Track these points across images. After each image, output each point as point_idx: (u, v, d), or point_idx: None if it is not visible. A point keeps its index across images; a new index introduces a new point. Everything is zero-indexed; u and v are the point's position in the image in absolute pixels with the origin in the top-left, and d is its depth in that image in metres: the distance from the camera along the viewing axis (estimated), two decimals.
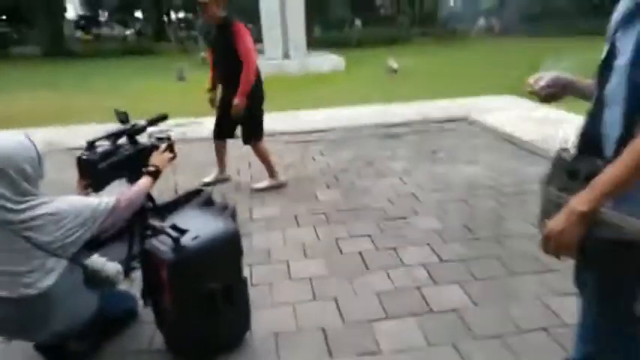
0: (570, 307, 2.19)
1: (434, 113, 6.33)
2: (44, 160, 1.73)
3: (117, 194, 1.90)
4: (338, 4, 29.94)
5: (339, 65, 12.78)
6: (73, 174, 4.34)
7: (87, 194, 1.96)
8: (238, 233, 1.95)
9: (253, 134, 3.90)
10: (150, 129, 2.36)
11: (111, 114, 7.18)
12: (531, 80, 1.40)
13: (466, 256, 2.68)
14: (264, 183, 3.96)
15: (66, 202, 1.71)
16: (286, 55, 12.94)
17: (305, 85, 10.05)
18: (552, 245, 1.11)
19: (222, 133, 4.01)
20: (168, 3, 32.82)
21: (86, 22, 31.58)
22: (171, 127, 2.43)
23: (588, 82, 1.29)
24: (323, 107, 7.07)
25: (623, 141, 1.04)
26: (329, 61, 13.01)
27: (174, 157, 2.33)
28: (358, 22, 24.07)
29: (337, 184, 3.98)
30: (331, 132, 5.62)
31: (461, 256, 2.69)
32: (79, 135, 5.83)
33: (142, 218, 2.31)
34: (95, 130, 5.85)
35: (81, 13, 37.63)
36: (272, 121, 6.25)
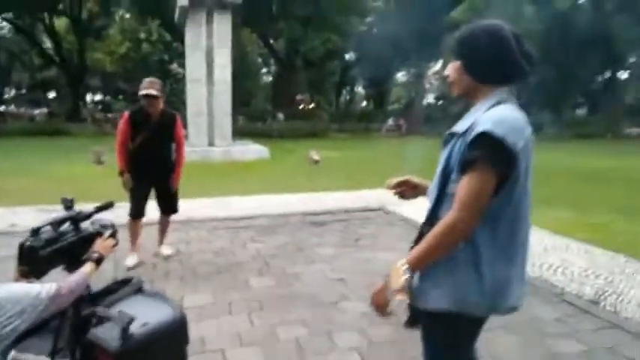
0: None
1: (354, 203, 6.78)
2: None
3: (58, 281, 1.87)
4: (260, 98, 31.59)
5: (264, 154, 13.28)
6: None
7: (28, 281, 1.90)
8: (185, 319, 1.98)
9: (176, 206, 4.39)
10: (95, 216, 2.37)
11: (19, 197, 6.83)
12: (389, 181, 1.79)
13: (396, 338, 2.86)
14: (171, 250, 4.43)
15: (5, 290, 1.67)
16: (211, 143, 13.23)
17: (231, 173, 10.27)
18: (373, 303, 1.47)
19: (142, 212, 4.17)
20: (85, 85, 32.35)
21: None
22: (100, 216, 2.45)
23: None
24: (250, 194, 7.27)
25: (429, 225, 1.44)
26: (254, 150, 13.50)
27: (116, 244, 2.35)
28: (281, 116, 25.46)
29: (269, 271, 4.07)
30: (260, 219, 5.78)
31: (390, 338, 2.87)
32: None
33: (76, 307, 2.23)
34: (2, 215, 5.49)
35: None
36: (200, 206, 6.33)
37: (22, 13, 26.39)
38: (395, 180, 1.78)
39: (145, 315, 1.86)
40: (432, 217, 1.44)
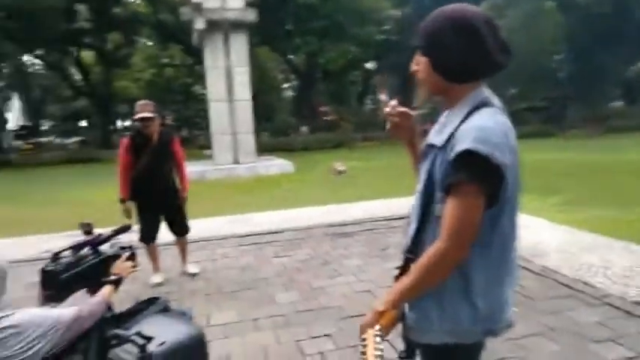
0: None
1: (380, 211, 6.69)
2: (8, 277, 1.74)
3: (78, 304, 1.90)
4: (283, 112, 31.90)
5: (288, 168, 13.34)
6: (20, 286, 4.14)
7: (51, 306, 1.93)
8: (203, 337, 1.97)
9: (186, 226, 4.44)
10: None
11: (52, 225, 7.03)
12: (391, 103, 1.48)
13: None
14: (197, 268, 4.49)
15: (28, 314, 1.69)
16: (236, 160, 13.40)
17: (256, 188, 10.34)
18: (359, 336, 1.29)
19: (153, 236, 4.24)
20: (113, 112, 33.50)
21: (26, 132, 31.31)
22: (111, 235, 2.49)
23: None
24: (275, 209, 7.28)
25: (412, 252, 1.32)
26: (278, 165, 13.59)
27: (135, 266, 2.37)
28: (304, 128, 25.61)
29: (294, 285, 4.03)
30: (285, 233, 5.76)
31: None
32: (17, 248, 5.59)
33: (100, 328, 2.25)
34: (35, 242, 5.67)
35: (22, 123, 37.37)
36: (226, 223, 6.38)
37: (51, 49, 27.64)
38: (397, 105, 1.47)
39: (163, 334, 1.86)
40: (416, 243, 1.31)
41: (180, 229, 4.38)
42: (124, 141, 4.13)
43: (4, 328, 1.60)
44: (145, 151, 4.05)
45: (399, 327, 1.36)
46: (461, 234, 1.17)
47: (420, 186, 1.32)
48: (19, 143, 28.04)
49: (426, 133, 1.42)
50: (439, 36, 1.24)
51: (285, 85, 41.83)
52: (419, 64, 1.32)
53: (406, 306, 1.34)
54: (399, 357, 1.42)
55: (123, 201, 4.13)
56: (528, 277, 3.87)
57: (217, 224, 6.31)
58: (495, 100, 1.28)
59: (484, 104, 1.25)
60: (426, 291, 1.25)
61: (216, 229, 5.99)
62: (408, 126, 1.49)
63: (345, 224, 6.10)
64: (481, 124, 1.17)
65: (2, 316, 1.62)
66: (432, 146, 1.28)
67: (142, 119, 3.98)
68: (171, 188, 4.27)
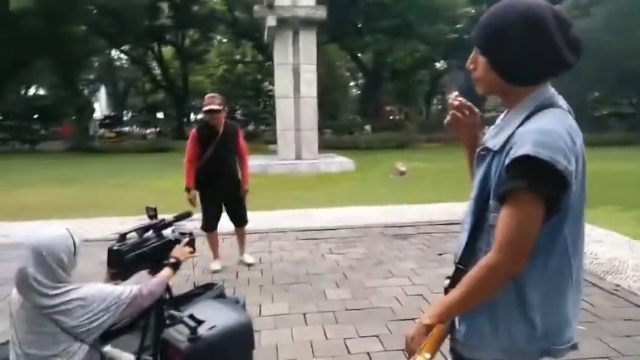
0: None
1: (440, 215, 6.52)
2: (82, 254, 1.90)
3: (139, 283, 2.03)
4: (348, 111, 31.92)
5: (349, 166, 13.34)
6: (92, 263, 4.50)
7: (115, 283, 2.09)
8: (251, 325, 2.03)
9: (245, 217, 4.53)
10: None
11: (127, 209, 7.54)
12: (455, 95, 1.38)
13: None
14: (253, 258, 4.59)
15: (94, 289, 1.84)
16: (299, 156, 13.60)
17: (316, 185, 10.45)
18: (406, 349, 1.24)
19: (214, 225, 4.41)
20: (188, 105, 35.28)
21: (111, 121, 33.72)
22: (186, 222, 2.63)
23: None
24: (334, 206, 7.32)
25: (463, 262, 1.23)
26: (339, 162, 13.63)
27: (193, 252, 2.49)
28: (368, 127, 25.47)
29: (346, 283, 4.04)
30: (341, 230, 5.78)
31: None
32: (95, 228, 6.06)
33: (159, 309, 2.40)
34: (111, 223, 6.12)
35: (107, 113, 40.37)
36: (284, 217, 6.51)
37: (136, 45, 29.72)
38: (462, 100, 1.36)
39: (214, 319, 1.94)
40: (468, 253, 1.23)
41: (239, 220, 4.51)
42: (193, 132, 4.31)
43: (73, 299, 1.75)
44: (211, 143, 4.20)
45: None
46: (515, 246, 1.08)
47: (473, 192, 1.24)
48: (103, 131, 30.31)
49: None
50: (500, 32, 1.13)
51: (352, 84, 41.85)
52: (476, 63, 1.23)
53: (456, 319, 1.27)
54: None
55: (188, 189, 4.31)
56: (599, 295, 3.61)
57: (276, 217, 6.46)
58: (561, 101, 1.18)
59: (548, 105, 1.14)
60: (475, 305, 1.18)
61: (274, 222, 6.13)
62: (470, 123, 1.38)
63: (402, 226, 6.02)
64: (543, 127, 1.07)
65: (72, 289, 1.77)
66: (487, 150, 1.19)
67: (210, 111, 4.14)
68: (234, 179, 4.41)
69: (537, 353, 1.20)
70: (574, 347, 1.23)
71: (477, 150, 1.25)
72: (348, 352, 2.83)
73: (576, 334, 1.23)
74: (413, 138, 22.73)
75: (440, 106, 45.45)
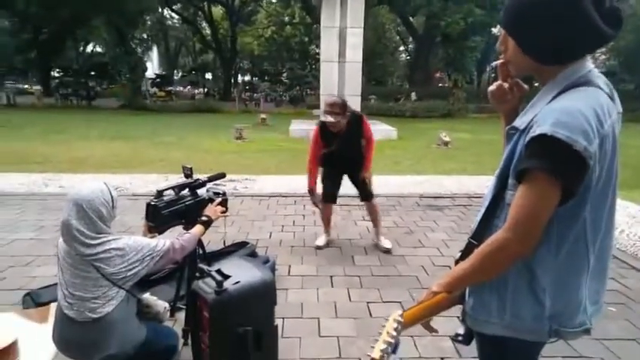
0: None
1: (478, 188, 6.39)
2: (117, 204, 2.05)
3: (173, 238, 2.18)
4: (395, 77, 31.13)
5: (392, 135, 13.17)
6: (133, 217, 4.77)
7: (152, 236, 2.25)
8: (274, 283, 2.14)
9: (370, 192, 4.16)
10: (208, 184, 2.67)
11: (172, 166, 7.85)
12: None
13: None
14: (389, 244, 4.11)
15: (131, 240, 2.00)
16: None
17: None
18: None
19: (333, 197, 4.15)
20: (235, 67, 35.56)
21: (161, 81, 34.62)
22: (224, 182, 2.76)
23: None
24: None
25: (476, 238, 1.23)
26: (382, 130, 13.46)
27: (225, 212, 2.62)
28: (414, 95, 24.83)
29: (375, 250, 4.11)
30: (376, 198, 5.79)
31: None
32: (142, 183, 6.40)
33: (192, 262, 2.57)
34: (157, 179, 6.44)
35: (158, 72, 41.46)
36: (320, 183, 6.58)
37: (187, 4, 30.02)
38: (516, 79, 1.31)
39: (240, 275, 2.06)
40: (483, 228, 1.23)
41: (362, 194, 4.20)
42: (315, 129, 4.03)
43: (112, 249, 1.91)
44: (334, 141, 3.92)
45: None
46: (525, 227, 1.07)
47: (497, 171, 1.22)
48: (154, 90, 31.26)
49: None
50: (527, 12, 1.09)
51: (401, 48, 40.59)
52: (506, 44, 1.20)
53: (466, 291, 1.29)
54: (453, 339, 1.39)
55: (311, 192, 4.07)
56: (632, 277, 3.50)
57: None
58: (600, 80, 1.12)
59: (582, 83, 1.09)
60: (483, 280, 1.20)
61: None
62: (514, 97, 1.34)
63: (438, 197, 5.97)
64: (566, 106, 1.04)
65: (111, 239, 1.93)
66: (514, 129, 1.16)
67: (329, 123, 3.81)
68: (360, 163, 4.05)
69: (545, 333, 1.20)
70: (586, 332, 1.21)
71: (506, 128, 1.23)
72: (370, 315, 2.93)
73: (593, 318, 1.22)
74: (460, 107, 21.99)
75: (492, 75, 43.37)
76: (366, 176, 4.05)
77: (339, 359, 2.45)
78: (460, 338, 1.38)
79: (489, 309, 1.23)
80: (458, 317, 1.36)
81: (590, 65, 1.13)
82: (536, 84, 1.25)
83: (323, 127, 3.93)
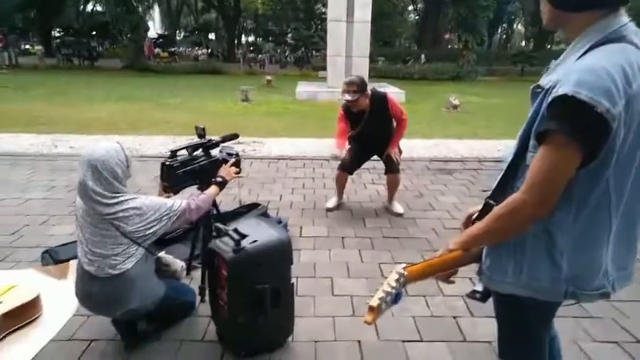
0: (606, 354, 2.21)
1: (488, 152, 6.34)
2: (131, 164, 2.04)
3: (188, 198, 2.18)
4: (404, 38, 30.36)
5: (400, 98, 12.94)
6: (147, 178, 4.78)
7: (167, 196, 2.26)
8: (290, 243, 2.16)
9: (397, 168, 4.08)
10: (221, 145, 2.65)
11: (179, 128, 7.81)
12: None
13: None
14: (401, 208, 4.13)
15: (148, 200, 2.00)
16: None
17: None
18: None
19: (349, 168, 4.11)
20: (239, 27, 34.73)
21: (164, 41, 33.90)
22: (233, 145, 2.73)
23: None
24: None
25: (494, 198, 1.23)
26: (389, 93, 13.27)
27: (239, 172, 2.61)
28: (423, 57, 24.30)
29: (385, 213, 4.12)
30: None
31: None
32: (150, 145, 6.39)
33: (207, 222, 2.59)
34: (164, 141, 6.43)
35: (160, 32, 40.57)
36: (328, 146, 6.56)
37: None
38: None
39: (256, 234, 2.08)
40: (501, 189, 1.22)
41: (388, 168, 4.11)
42: (340, 111, 4.02)
43: (130, 208, 1.92)
44: (359, 121, 3.92)
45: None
46: (542, 189, 1.05)
47: (520, 131, 1.19)
48: (157, 51, 30.64)
49: None
50: None
51: (410, 8, 39.41)
52: None
53: (484, 250, 1.29)
54: (470, 296, 1.39)
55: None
56: None
57: (321, 145, 6.52)
58: (636, 35, 1.06)
59: (614, 39, 1.04)
60: (498, 241, 1.20)
61: (319, 150, 6.21)
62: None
63: (447, 160, 5.94)
64: (591, 64, 0.99)
65: (128, 199, 1.94)
66: (540, 88, 1.12)
67: (347, 101, 3.81)
68: (388, 139, 4.04)
69: (561, 294, 1.20)
70: (604, 295, 1.21)
71: (532, 87, 1.19)
72: (382, 275, 2.97)
73: (618, 284, 1.22)
74: (470, 70, 21.53)
75: (504, 36, 42.26)
76: (392, 152, 3.99)
77: (353, 317, 2.50)
78: (478, 295, 1.39)
79: (506, 269, 1.24)
80: (470, 279, 1.36)
81: (624, 20, 1.07)
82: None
83: (347, 109, 3.93)
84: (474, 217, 1.33)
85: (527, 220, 1.11)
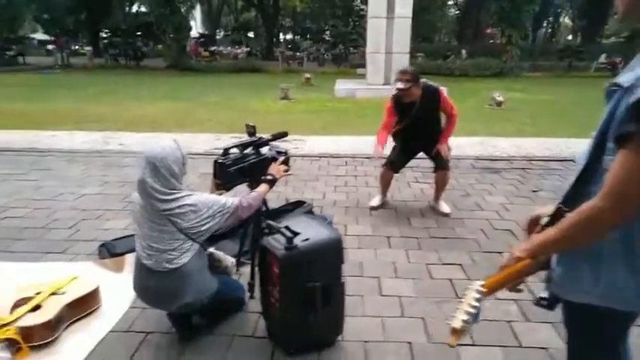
0: None
1: (538, 150, 6.11)
2: (187, 161, 2.08)
3: (240, 196, 2.21)
4: (445, 34, 29.72)
5: None
6: (195, 175, 4.89)
7: (219, 193, 2.29)
8: (341, 241, 2.15)
9: (446, 165, 3.99)
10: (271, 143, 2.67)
11: (221, 126, 7.96)
12: None
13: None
14: (448, 208, 4.04)
15: (203, 197, 2.04)
16: (387, 82, 13.20)
17: None
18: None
19: (395, 167, 4.10)
20: (278, 25, 35.02)
21: (205, 40, 34.60)
22: (280, 143, 2.74)
23: None
24: None
25: (567, 203, 1.16)
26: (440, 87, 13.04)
27: (288, 170, 2.62)
28: (464, 52, 23.72)
29: (431, 212, 4.04)
30: (429, 160, 5.66)
31: None
32: (194, 142, 6.53)
33: (257, 220, 2.61)
34: (208, 139, 6.56)
35: (201, 31, 41.46)
36: (370, 144, 6.51)
37: None
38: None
39: (308, 232, 2.08)
40: (575, 195, 1.16)
41: (437, 165, 4.03)
42: (389, 103, 3.93)
43: (185, 204, 1.96)
44: (408, 114, 3.84)
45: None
46: (621, 196, 0.99)
47: (595, 132, 1.12)
48: (199, 50, 31.32)
49: (613, 66, 1.20)
50: None
51: (450, 2, 38.53)
52: None
53: (553, 258, 1.24)
54: (536, 302, 1.32)
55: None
56: None
57: (362, 143, 6.47)
58: None
59: None
60: (571, 249, 1.14)
61: (360, 148, 6.16)
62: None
63: (494, 159, 5.77)
64: None
65: (184, 195, 1.98)
66: (617, 86, 1.05)
67: (399, 90, 3.74)
68: (436, 138, 3.97)
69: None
70: None
71: (607, 85, 1.12)
72: (430, 276, 2.91)
73: None
74: (514, 65, 20.81)
75: (550, 30, 40.61)
76: (441, 149, 3.90)
77: (402, 318, 2.46)
78: (544, 303, 1.32)
79: (581, 280, 1.17)
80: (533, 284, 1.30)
81: None
82: None
83: (397, 100, 3.85)
84: (541, 222, 1.27)
85: (604, 229, 1.04)
